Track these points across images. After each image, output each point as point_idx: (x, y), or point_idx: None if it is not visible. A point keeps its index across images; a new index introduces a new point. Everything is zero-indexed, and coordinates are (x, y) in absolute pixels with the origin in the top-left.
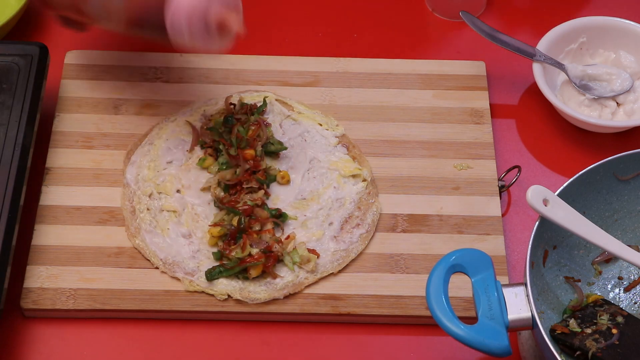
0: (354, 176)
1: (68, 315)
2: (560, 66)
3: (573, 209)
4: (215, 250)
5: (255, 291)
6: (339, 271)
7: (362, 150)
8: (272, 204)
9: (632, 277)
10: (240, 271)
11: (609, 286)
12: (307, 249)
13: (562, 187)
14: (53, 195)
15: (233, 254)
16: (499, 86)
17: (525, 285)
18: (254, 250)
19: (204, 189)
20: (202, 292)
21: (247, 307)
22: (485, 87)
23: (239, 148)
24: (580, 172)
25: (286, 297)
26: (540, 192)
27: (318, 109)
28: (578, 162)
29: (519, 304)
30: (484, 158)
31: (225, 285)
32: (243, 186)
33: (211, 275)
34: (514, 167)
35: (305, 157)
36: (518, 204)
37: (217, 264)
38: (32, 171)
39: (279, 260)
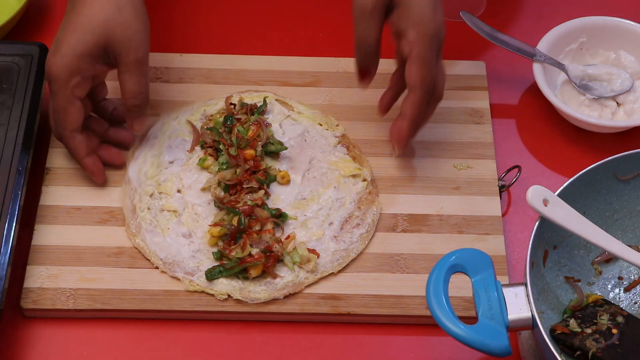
0: (354, 176)
1: (68, 315)
2: (561, 66)
3: (573, 209)
4: (215, 250)
5: (255, 291)
6: (339, 271)
7: (362, 150)
8: (272, 204)
9: (632, 277)
10: (240, 271)
11: (609, 286)
12: (307, 249)
13: (562, 187)
14: (53, 195)
15: (233, 253)
16: (499, 86)
17: (526, 285)
18: (254, 250)
19: (204, 189)
20: (202, 292)
21: (247, 307)
22: (485, 87)
23: (239, 148)
24: (580, 172)
25: (286, 297)
26: (540, 192)
27: (318, 109)
28: (578, 162)
29: (519, 304)
30: (484, 158)
31: (225, 285)
32: (243, 186)
33: (211, 275)
34: (514, 167)
35: (306, 157)
36: (518, 204)
37: (217, 263)
38: (32, 171)
39: (279, 260)
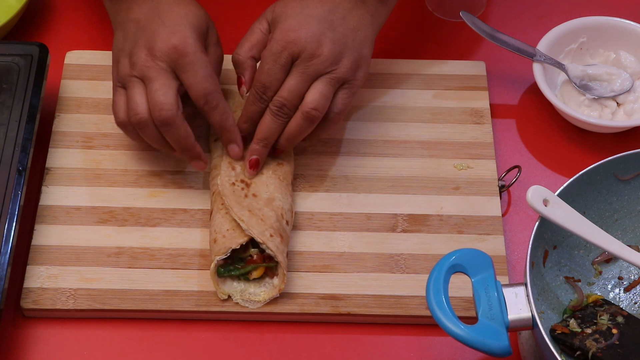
0: None
1: (68, 315)
2: (561, 66)
3: (573, 209)
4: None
5: (255, 293)
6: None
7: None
8: None
9: (632, 277)
10: (243, 272)
11: (609, 286)
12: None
13: (562, 187)
14: (53, 195)
15: (235, 253)
16: (499, 86)
17: (526, 285)
18: (254, 250)
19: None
20: (205, 289)
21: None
22: (485, 87)
23: None
24: (580, 172)
25: (286, 297)
26: (540, 192)
27: None
28: (578, 162)
29: (519, 304)
30: (484, 158)
31: (227, 285)
32: None
33: (224, 272)
34: (514, 167)
35: None
36: (518, 204)
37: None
38: (32, 171)
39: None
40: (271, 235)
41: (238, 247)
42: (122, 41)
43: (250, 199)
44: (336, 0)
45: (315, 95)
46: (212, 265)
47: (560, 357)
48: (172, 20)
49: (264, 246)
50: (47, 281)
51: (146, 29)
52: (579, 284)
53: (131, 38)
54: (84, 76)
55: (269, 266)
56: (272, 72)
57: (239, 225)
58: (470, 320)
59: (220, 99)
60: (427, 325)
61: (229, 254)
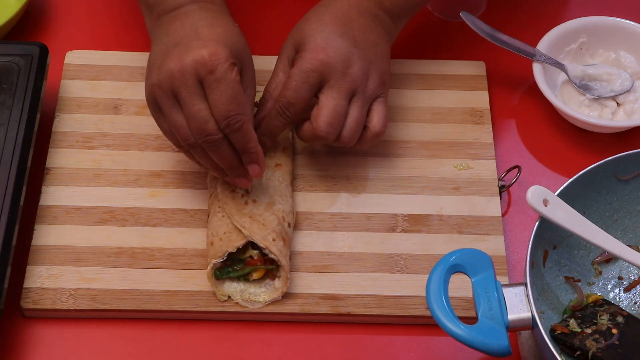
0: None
1: (68, 315)
2: (560, 66)
3: (573, 209)
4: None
5: (256, 293)
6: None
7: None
8: None
9: (632, 277)
10: (242, 274)
11: (609, 286)
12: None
13: (562, 187)
14: (53, 195)
15: (234, 254)
16: (499, 86)
17: (525, 285)
18: (254, 252)
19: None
20: (206, 289)
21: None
22: (485, 87)
23: None
24: (580, 172)
25: (286, 297)
26: (540, 192)
27: None
28: (578, 162)
29: (519, 304)
30: (484, 158)
31: (226, 286)
32: None
33: (222, 274)
34: (514, 167)
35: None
36: (518, 204)
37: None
38: (32, 171)
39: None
40: (274, 240)
41: (235, 250)
42: (156, 55)
43: (250, 205)
44: (351, 16)
45: (356, 121)
46: (209, 268)
47: (560, 357)
48: (209, 36)
49: (266, 251)
50: (47, 281)
51: (181, 43)
52: (579, 284)
53: (163, 52)
54: (84, 76)
55: (269, 269)
56: (300, 90)
57: (236, 227)
58: (470, 320)
59: (245, 122)
60: (427, 325)
61: (225, 258)
